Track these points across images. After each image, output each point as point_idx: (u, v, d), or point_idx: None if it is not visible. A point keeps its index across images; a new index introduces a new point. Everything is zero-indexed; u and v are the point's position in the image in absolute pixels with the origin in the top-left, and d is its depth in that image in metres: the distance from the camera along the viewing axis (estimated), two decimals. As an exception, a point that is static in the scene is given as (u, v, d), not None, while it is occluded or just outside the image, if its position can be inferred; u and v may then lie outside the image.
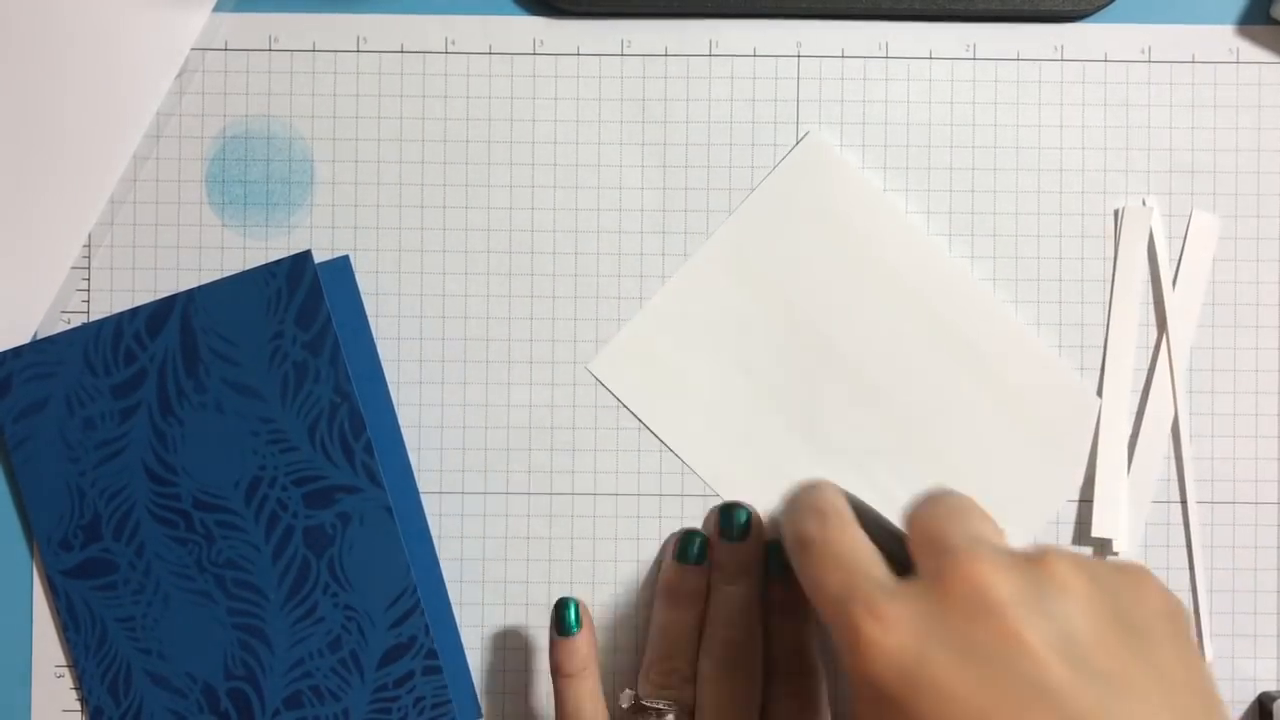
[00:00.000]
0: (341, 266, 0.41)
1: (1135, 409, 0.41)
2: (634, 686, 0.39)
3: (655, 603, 0.40)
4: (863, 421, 0.41)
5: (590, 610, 0.39)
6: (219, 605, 0.40)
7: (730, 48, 0.42)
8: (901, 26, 0.42)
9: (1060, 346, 0.41)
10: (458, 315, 0.42)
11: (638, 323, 0.42)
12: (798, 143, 0.42)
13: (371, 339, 0.41)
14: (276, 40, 0.42)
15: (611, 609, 0.41)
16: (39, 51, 0.40)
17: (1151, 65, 0.42)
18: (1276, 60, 0.42)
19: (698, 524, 0.41)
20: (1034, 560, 0.29)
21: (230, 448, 0.40)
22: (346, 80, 0.42)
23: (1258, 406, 0.41)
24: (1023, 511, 0.41)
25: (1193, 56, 0.42)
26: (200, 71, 0.42)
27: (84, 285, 0.42)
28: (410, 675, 0.40)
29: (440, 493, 0.41)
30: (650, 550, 0.41)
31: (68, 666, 0.41)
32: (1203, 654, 0.41)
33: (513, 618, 0.41)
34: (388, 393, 0.41)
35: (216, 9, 0.41)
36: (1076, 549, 0.41)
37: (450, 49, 0.42)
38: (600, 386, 0.42)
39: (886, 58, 0.42)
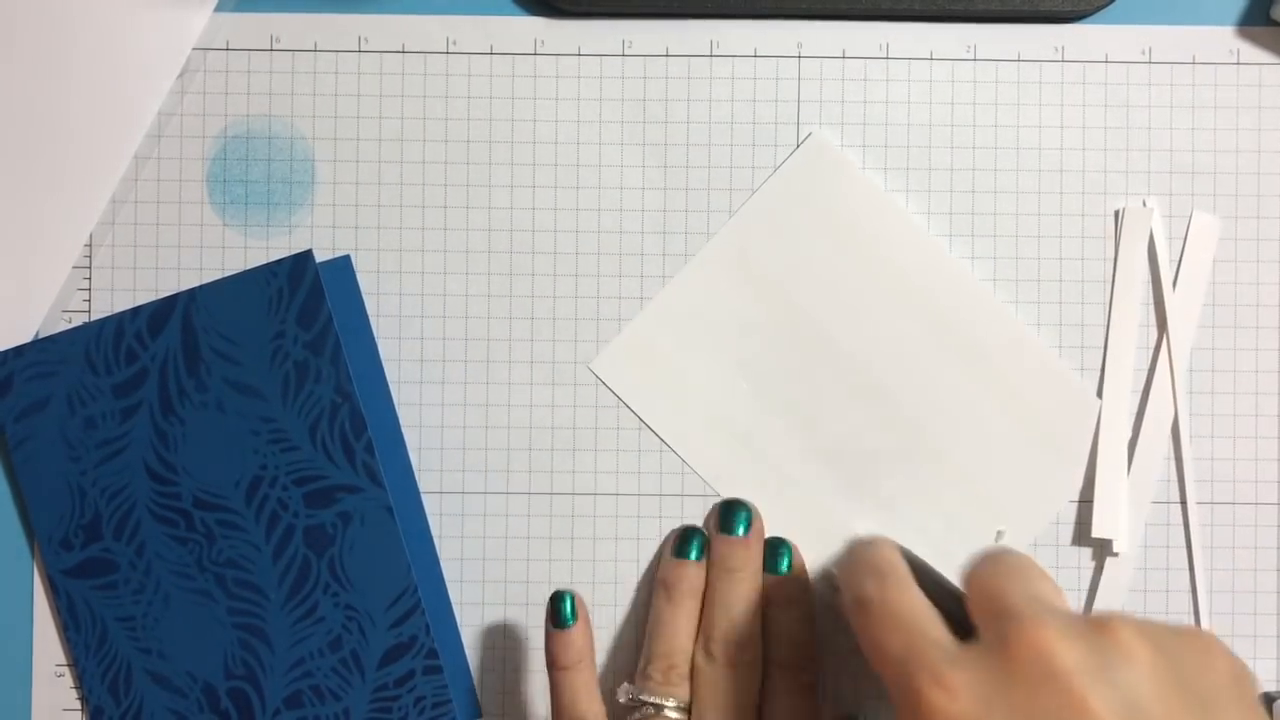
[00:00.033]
0: (342, 266, 0.41)
1: (1135, 409, 0.41)
2: (634, 683, 0.40)
3: (653, 598, 0.40)
4: (863, 422, 0.41)
5: (587, 605, 0.39)
6: (219, 605, 0.40)
7: (731, 48, 0.42)
8: (902, 27, 0.42)
9: (1060, 347, 0.41)
10: (458, 315, 0.42)
11: (640, 322, 0.42)
12: (801, 143, 0.42)
13: (372, 339, 0.41)
14: (278, 40, 0.42)
15: (612, 609, 0.41)
16: (41, 51, 0.41)
17: (1152, 66, 0.42)
18: (1277, 61, 0.42)
19: (698, 524, 0.41)
20: (1098, 627, 0.29)
21: (231, 447, 0.40)
22: (348, 80, 0.42)
23: (1258, 407, 0.41)
24: (1023, 512, 0.41)
25: (1193, 57, 0.42)
26: (202, 71, 0.42)
27: (85, 284, 0.42)
28: (411, 675, 0.40)
29: (440, 493, 0.42)
30: (650, 550, 0.41)
31: (68, 666, 0.41)
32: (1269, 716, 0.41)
33: (513, 618, 0.41)
34: (388, 392, 0.41)
35: (218, 9, 0.41)
36: (1077, 550, 0.41)
37: (451, 49, 0.42)
38: (600, 387, 0.42)
39: (887, 58, 0.42)
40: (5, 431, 0.40)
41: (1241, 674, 0.29)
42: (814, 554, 0.41)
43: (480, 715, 0.41)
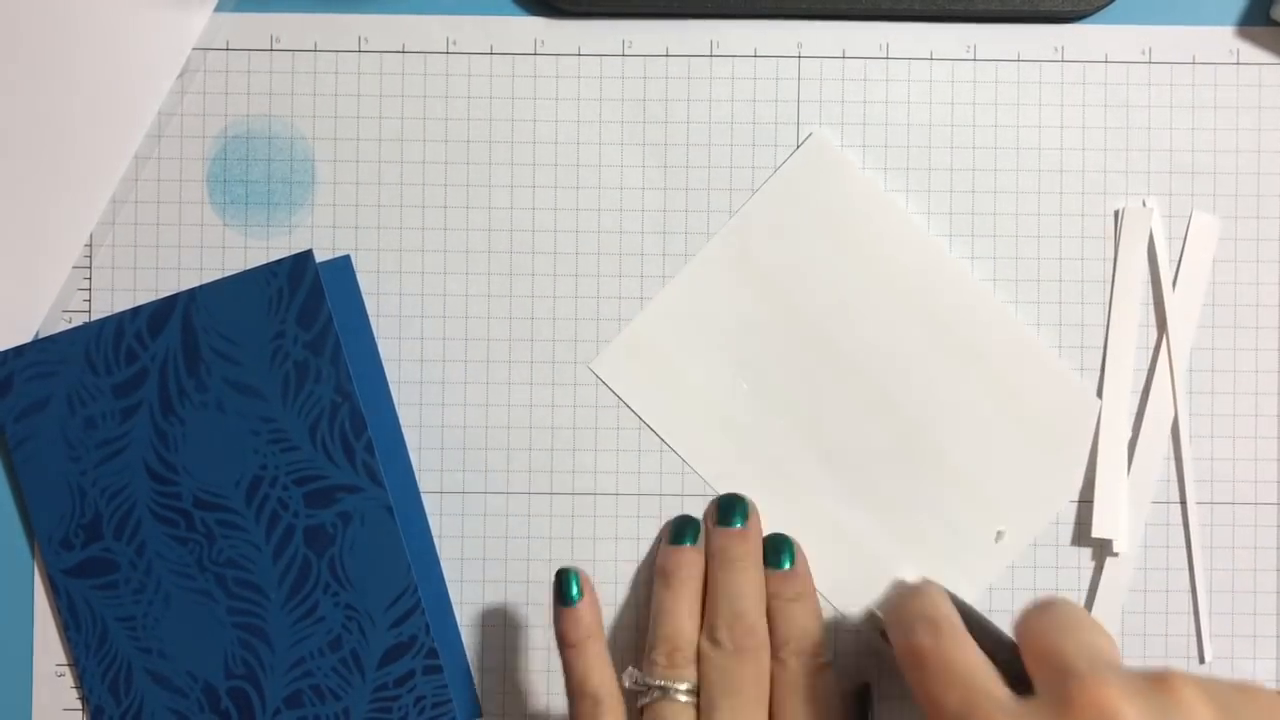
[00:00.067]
0: (343, 266, 0.41)
1: (1135, 409, 0.41)
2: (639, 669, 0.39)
3: (654, 588, 0.40)
4: (863, 421, 0.41)
5: (593, 583, 0.38)
6: (220, 604, 0.40)
7: (731, 48, 0.42)
8: (902, 27, 0.42)
9: (1060, 347, 0.41)
10: (458, 315, 0.42)
11: (640, 322, 0.42)
12: (802, 143, 0.42)
13: (372, 339, 0.41)
14: (278, 40, 0.42)
15: (612, 609, 0.41)
16: (41, 52, 0.41)
17: (1152, 66, 0.42)
18: (1277, 61, 0.42)
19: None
20: (1159, 684, 0.29)
21: (231, 447, 0.40)
22: (348, 80, 0.42)
23: (1258, 407, 0.41)
24: (1023, 512, 0.41)
25: (1193, 57, 0.42)
26: (202, 71, 0.42)
27: (85, 284, 0.42)
28: (411, 674, 0.40)
29: (440, 493, 0.42)
30: (651, 551, 0.41)
31: (68, 665, 0.41)
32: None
33: (513, 618, 0.41)
34: (389, 392, 0.41)
35: (218, 9, 0.41)
36: (1077, 550, 0.41)
37: (451, 49, 0.42)
38: (600, 386, 0.42)
39: (887, 58, 0.42)
40: (5, 431, 0.40)
41: None
42: (814, 554, 0.41)
43: (480, 715, 0.41)
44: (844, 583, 0.41)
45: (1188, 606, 0.41)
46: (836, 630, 0.41)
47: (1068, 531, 0.41)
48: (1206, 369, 0.41)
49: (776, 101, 0.42)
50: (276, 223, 0.42)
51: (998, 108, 0.42)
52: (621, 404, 0.42)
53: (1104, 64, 0.42)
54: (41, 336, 0.41)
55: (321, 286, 0.40)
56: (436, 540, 0.41)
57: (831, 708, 0.38)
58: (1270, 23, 0.41)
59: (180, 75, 0.41)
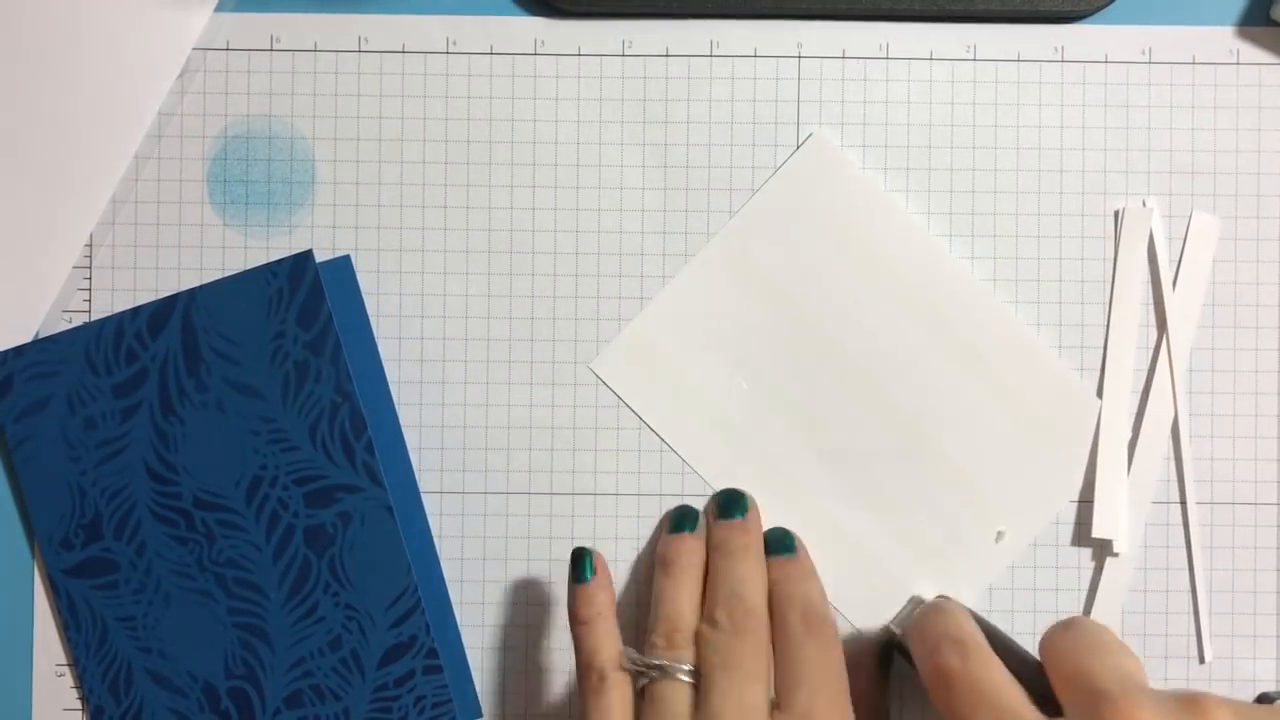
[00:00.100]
0: (343, 266, 0.41)
1: (1135, 409, 0.41)
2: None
3: (655, 576, 0.40)
4: (863, 421, 0.41)
5: (606, 562, 0.39)
6: (220, 604, 0.40)
7: (731, 48, 0.42)
8: (902, 27, 0.42)
9: (1060, 347, 0.41)
10: (458, 315, 0.42)
11: (640, 322, 0.42)
12: (803, 143, 0.42)
13: (372, 339, 0.41)
14: (278, 40, 0.42)
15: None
16: (41, 52, 0.41)
17: (1152, 66, 0.42)
18: (1277, 61, 0.42)
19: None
20: (1191, 706, 0.29)
21: (231, 447, 0.40)
22: (348, 80, 0.42)
23: (1258, 407, 0.41)
24: (1023, 512, 0.41)
25: (1193, 57, 0.42)
26: (202, 71, 0.42)
27: (85, 284, 0.42)
28: (411, 674, 0.40)
29: (440, 493, 0.42)
30: (651, 551, 0.41)
31: (68, 665, 0.41)
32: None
33: (513, 618, 0.41)
34: (389, 392, 0.41)
35: (218, 9, 0.41)
36: (1077, 550, 0.41)
37: (451, 49, 0.42)
38: (600, 386, 0.42)
39: (887, 59, 0.42)
40: (5, 431, 0.40)
41: None
42: (813, 554, 0.41)
43: (480, 715, 0.41)
44: (844, 583, 0.41)
45: (1188, 606, 0.41)
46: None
47: (1068, 531, 0.41)
48: (1206, 369, 0.41)
49: (776, 101, 0.42)
50: (276, 223, 0.42)
51: (998, 108, 0.42)
52: (621, 404, 0.42)
53: (1104, 64, 0.42)
54: (41, 336, 0.41)
55: (321, 286, 0.40)
56: (436, 540, 0.41)
57: (838, 660, 0.37)
58: (1270, 23, 0.41)
59: (180, 75, 0.41)
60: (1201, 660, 0.41)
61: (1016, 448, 0.41)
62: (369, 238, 0.42)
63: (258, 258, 0.42)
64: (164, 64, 0.41)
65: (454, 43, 0.42)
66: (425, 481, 0.42)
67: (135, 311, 0.40)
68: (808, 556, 0.40)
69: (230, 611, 0.40)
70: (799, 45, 0.42)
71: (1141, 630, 0.41)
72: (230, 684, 0.40)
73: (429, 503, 0.41)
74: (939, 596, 0.40)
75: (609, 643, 0.37)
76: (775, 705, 0.35)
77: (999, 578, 0.41)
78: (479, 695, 0.41)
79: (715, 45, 0.42)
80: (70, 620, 0.40)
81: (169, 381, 0.40)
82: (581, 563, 0.38)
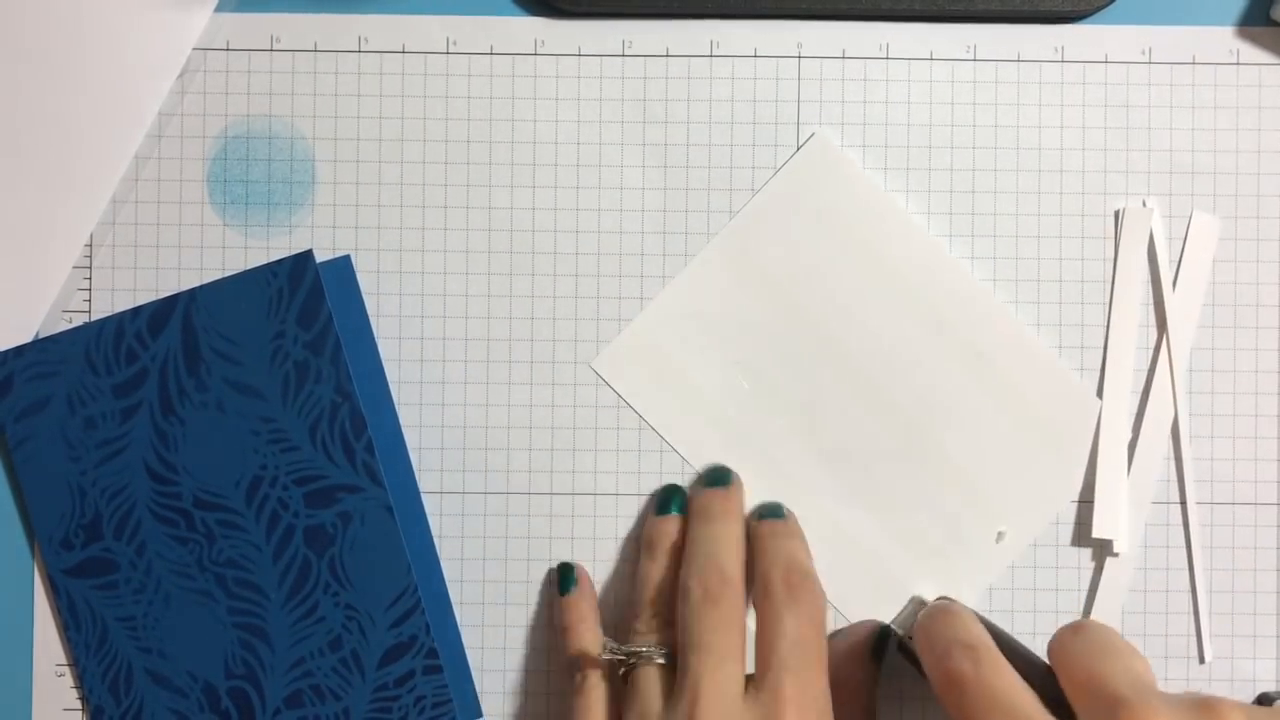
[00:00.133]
0: (343, 266, 0.41)
1: (1135, 409, 0.41)
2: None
3: (639, 558, 0.40)
4: (864, 422, 0.41)
5: (590, 576, 0.41)
6: (220, 604, 0.40)
7: (731, 48, 0.42)
8: (902, 27, 0.42)
9: (1060, 347, 0.41)
10: (458, 315, 0.42)
11: (641, 322, 0.42)
12: (804, 143, 0.42)
13: (373, 339, 0.41)
14: (278, 40, 0.42)
15: (612, 608, 0.41)
16: (41, 51, 0.41)
17: (1152, 66, 0.42)
18: (1277, 61, 0.42)
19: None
20: (1205, 710, 0.29)
21: (231, 447, 0.40)
22: (348, 80, 0.42)
23: (1258, 407, 0.41)
24: (1023, 512, 0.41)
25: (1193, 58, 0.42)
26: (202, 71, 0.42)
27: (85, 285, 0.42)
28: (411, 675, 0.40)
29: (440, 493, 0.42)
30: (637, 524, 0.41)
31: (68, 665, 0.41)
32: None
33: (513, 618, 0.41)
34: (389, 392, 0.41)
35: (218, 9, 0.41)
36: (1077, 550, 0.41)
37: (451, 49, 0.42)
38: (600, 386, 0.42)
39: (887, 59, 0.42)
40: (5, 431, 0.40)
41: None
42: (813, 554, 0.41)
43: (480, 715, 0.41)
44: (844, 583, 0.41)
45: (1188, 606, 0.41)
46: (836, 629, 0.41)
47: (1068, 531, 0.41)
48: (1206, 369, 0.41)
49: (776, 101, 0.42)
50: (276, 223, 0.42)
51: (998, 108, 0.42)
52: (621, 404, 0.42)
53: (1104, 64, 0.42)
54: (41, 336, 0.41)
55: (321, 286, 0.40)
56: (436, 540, 0.41)
57: (818, 630, 0.36)
58: (1270, 23, 0.41)
59: (180, 75, 0.41)
60: (1201, 660, 0.41)
61: (1017, 448, 0.41)
62: (369, 238, 0.42)
63: (258, 258, 0.42)
64: (164, 64, 0.41)
65: (454, 43, 0.42)
66: (425, 481, 0.42)
67: (135, 311, 0.40)
68: (797, 524, 0.40)
69: (230, 611, 0.40)
70: (799, 45, 0.42)
71: (1141, 630, 0.41)
72: (230, 684, 0.40)
73: (429, 503, 0.41)
74: (941, 597, 0.40)
75: (591, 646, 0.39)
76: (750, 682, 0.35)
77: (999, 578, 0.41)
78: (479, 695, 0.41)
79: (715, 45, 0.42)
80: (70, 620, 0.40)
81: (169, 381, 0.40)
82: (563, 577, 0.41)
